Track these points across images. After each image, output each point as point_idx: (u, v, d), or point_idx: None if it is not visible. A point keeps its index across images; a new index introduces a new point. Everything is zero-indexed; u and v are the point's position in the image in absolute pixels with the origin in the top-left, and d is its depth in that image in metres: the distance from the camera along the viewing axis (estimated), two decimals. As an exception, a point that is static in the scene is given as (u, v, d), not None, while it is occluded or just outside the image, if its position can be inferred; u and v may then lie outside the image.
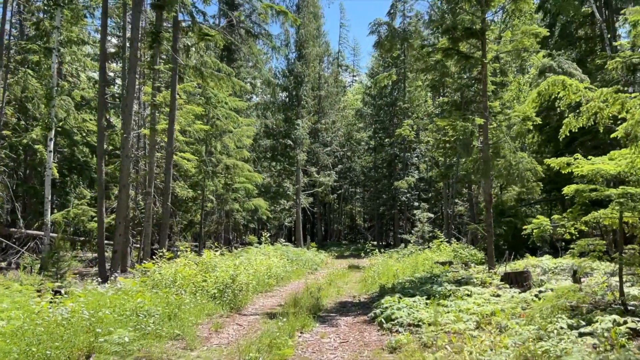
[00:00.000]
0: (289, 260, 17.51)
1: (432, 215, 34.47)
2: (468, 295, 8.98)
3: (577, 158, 8.50)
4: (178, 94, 17.55)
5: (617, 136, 6.84)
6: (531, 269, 13.29)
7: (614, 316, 6.04)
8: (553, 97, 7.29)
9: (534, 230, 8.67)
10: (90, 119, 24.79)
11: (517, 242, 16.38)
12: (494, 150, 11.58)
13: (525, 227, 8.52)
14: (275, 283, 13.84)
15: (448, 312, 7.81)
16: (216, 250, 12.67)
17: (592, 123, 6.99)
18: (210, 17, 32.99)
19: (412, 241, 19.95)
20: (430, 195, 41.38)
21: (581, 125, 7.21)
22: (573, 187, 7.79)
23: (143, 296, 7.57)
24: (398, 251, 22.49)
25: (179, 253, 11.32)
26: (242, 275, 11.01)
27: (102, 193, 13.48)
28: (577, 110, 7.06)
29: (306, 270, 18.22)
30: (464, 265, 14.35)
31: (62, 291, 7.85)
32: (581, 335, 5.78)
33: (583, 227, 8.35)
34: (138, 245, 21.03)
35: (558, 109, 22.26)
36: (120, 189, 12.85)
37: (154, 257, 13.04)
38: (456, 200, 37.00)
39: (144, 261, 12.99)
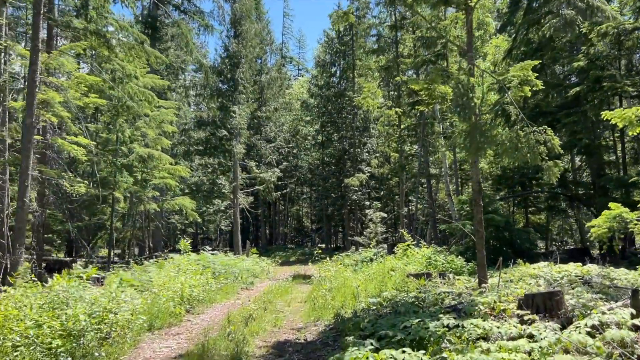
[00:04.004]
0: (215, 274, 13.53)
1: (385, 215, 31.41)
2: (481, 337, 5.49)
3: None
4: (63, 52, 13.18)
5: None
6: (530, 280, 10.11)
7: None
8: None
9: (593, 229, 5.33)
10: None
11: (500, 244, 13.22)
12: (492, 117, 8.23)
13: (592, 225, 5.10)
14: (187, 311, 9.86)
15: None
16: (101, 267, 8.61)
17: None
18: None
19: (371, 245, 16.43)
20: (382, 193, 38.36)
21: None
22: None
23: None
24: (349, 255, 19.04)
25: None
26: (125, 308, 7.04)
27: None
28: None
29: (239, 286, 14.29)
30: (441, 276, 10.99)
31: None
32: None
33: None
34: (29, 257, 16.46)
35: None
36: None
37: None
38: (411, 198, 34.14)
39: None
